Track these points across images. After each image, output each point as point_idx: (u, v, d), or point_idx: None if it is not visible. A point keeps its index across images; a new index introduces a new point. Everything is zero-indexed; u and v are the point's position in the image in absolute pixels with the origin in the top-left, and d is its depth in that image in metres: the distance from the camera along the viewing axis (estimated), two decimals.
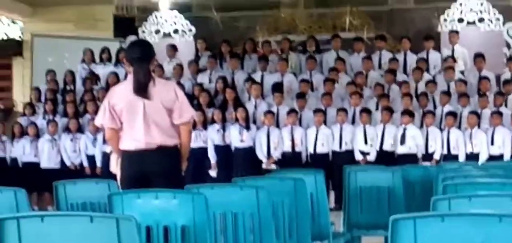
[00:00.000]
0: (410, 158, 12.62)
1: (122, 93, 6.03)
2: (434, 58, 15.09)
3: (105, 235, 3.06)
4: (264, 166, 13.21)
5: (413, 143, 13.06)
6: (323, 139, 13.33)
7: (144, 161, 5.82)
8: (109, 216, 3.28)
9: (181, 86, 14.86)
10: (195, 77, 15.36)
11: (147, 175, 5.77)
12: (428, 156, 13.04)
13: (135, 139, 5.89)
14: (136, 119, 5.88)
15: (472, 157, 12.72)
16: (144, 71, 5.94)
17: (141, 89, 5.89)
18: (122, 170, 5.90)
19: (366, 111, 13.37)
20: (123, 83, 6.34)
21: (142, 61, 6.00)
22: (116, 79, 15.31)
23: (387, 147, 13.17)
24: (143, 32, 17.10)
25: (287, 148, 13.38)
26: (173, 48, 16.07)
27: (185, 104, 6.02)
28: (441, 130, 13.19)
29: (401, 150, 13.08)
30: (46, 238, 3.10)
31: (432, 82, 14.15)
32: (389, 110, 13.28)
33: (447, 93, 13.76)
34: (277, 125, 13.68)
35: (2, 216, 3.11)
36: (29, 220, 3.12)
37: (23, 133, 14.55)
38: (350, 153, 13.25)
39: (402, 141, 13.06)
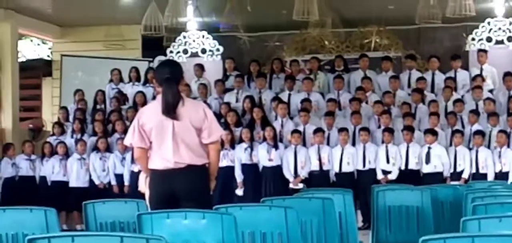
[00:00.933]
0: (436, 177, 12.58)
1: (152, 113, 6.05)
2: (462, 77, 15.04)
3: None
4: (291, 185, 13.21)
5: (439, 161, 13.03)
6: (348, 158, 13.33)
7: (173, 180, 5.83)
8: (139, 236, 3.29)
9: (208, 106, 14.94)
10: (221, 97, 15.41)
11: (175, 195, 5.78)
12: (456, 175, 12.99)
13: (164, 158, 5.90)
14: (165, 139, 5.90)
15: (501, 176, 12.65)
16: (173, 92, 5.96)
17: (170, 110, 5.91)
18: (151, 189, 5.91)
19: (389, 130, 13.36)
20: (153, 103, 6.35)
21: (171, 81, 6.02)
22: (143, 98, 15.40)
23: (412, 165, 13.14)
24: (171, 52, 17.18)
25: (315, 167, 13.38)
26: (200, 68, 16.13)
27: (214, 124, 6.04)
28: (470, 149, 13.14)
29: (426, 169, 13.05)
30: None
31: (460, 101, 14.09)
32: (410, 130, 13.26)
33: (476, 112, 13.70)
34: (304, 144, 13.67)
35: (34, 236, 3.13)
36: (60, 240, 3.14)
37: (53, 152, 14.66)
38: (374, 171, 13.25)
39: (427, 160, 13.04)
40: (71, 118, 15.64)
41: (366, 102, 14.59)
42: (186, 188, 5.80)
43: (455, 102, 14.06)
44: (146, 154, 6.03)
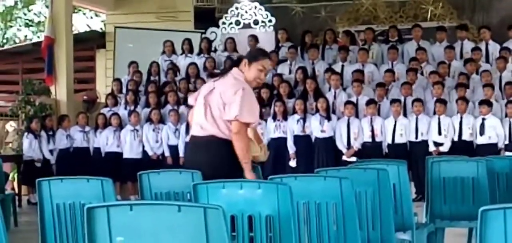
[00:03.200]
0: (490, 148, 12.43)
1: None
2: None
3: (193, 224, 3.08)
4: (344, 157, 13.17)
5: (493, 133, 12.89)
6: (401, 129, 13.24)
7: (198, 149, 5.98)
8: (196, 205, 3.29)
9: None
10: (274, 68, 15.38)
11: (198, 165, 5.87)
12: (511, 146, 12.82)
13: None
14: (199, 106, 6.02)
15: None
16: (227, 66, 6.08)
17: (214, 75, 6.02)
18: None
19: (441, 101, 13.22)
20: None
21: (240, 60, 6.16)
22: (196, 70, 15.47)
23: (466, 137, 13.01)
24: (224, 23, 17.21)
25: (367, 138, 13.32)
26: (254, 39, 16.10)
27: (236, 105, 5.83)
28: None
29: (480, 140, 12.91)
30: (135, 226, 3.13)
31: None
32: (465, 100, 13.10)
33: None
34: (357, 116, 13.61)
35: (92, 205, 3.16)
36: (118, 209, 3.16)
37: (106, 123, 14.79)
38: (427, 143, 13.16)
39: (482, 131, 12.89)
40: (124, 89, 15.77)
41: (421, 73, 14.46)
42: (206, 160, 5.84)
43: None
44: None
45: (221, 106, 5.88)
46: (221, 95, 5.91)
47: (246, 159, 5.84)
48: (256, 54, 6.23)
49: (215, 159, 5.86)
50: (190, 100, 6.24)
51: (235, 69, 6.03)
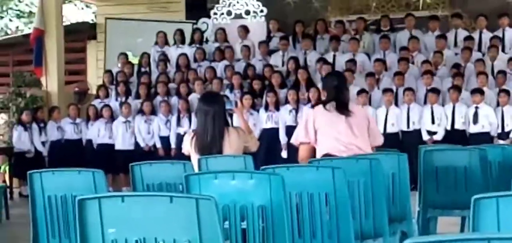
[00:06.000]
0: (483, 137, 12.45)
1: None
2: (510, 36, 14.81)
3: (185, 215, 3.07)
4: None
5: (486, 121, 12.91)
6: (393, 119, 13.25)
7: None
8: (188, 196, 3.28)
9: (252, 67, 14.93)
10: (266, 58, 15.37)
11: None
12: (504, 135, 12.85)
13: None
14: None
15: None
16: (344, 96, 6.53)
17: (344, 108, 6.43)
18: None
19: (434, 90, 13.24)
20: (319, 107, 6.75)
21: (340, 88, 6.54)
22: (186, 60, 15.45)
23: (458, 125, 13.03)
24: (215, 13, 17.16)
25: None
26: (244, 29, 16.09)
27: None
28: None
29: (473, 129, 12.93)
30: (127, 218, 3.12)
31: None
32: (458, 89, 13.11)
33: None
34: None
35: (84, 196, 3.14)
36: (110, 200, 3.14)
37: (98, 115, 14.76)
38: (419, 132, 13.18)
39: (475, 120, 12.90)
40: (115, 80, 15.72)
41: (412, 63, 14.46)
42: None
43: (509, 61, 13.85)
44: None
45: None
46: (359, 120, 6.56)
47: None
48: None
49: None
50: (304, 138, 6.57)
51: None
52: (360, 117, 6.49)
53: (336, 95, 6.45)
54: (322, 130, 6.39)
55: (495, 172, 7.24)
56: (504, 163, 7.08)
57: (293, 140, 6.68)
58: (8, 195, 12.89)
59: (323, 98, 6.67)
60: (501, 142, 12.34)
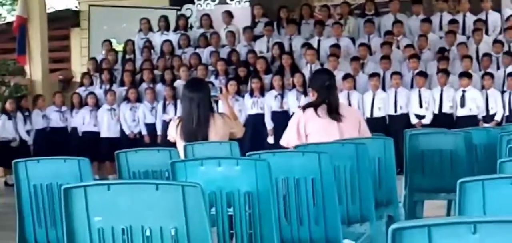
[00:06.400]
0: (470, 120, 12.47)
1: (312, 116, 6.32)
2: (493, 19, 14.85)
3: (171, 202, 3.07)
4: None
5: (474, 105, 12.93)
6: (379, 103, 13.26)
7: None
8: (174, 183, 3.28)
9: (236, 53, 14.91)
10: (250, 44, 15.35)
11: None
12: (489, 118, 12.88)
13: None
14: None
15: None
16: (335, 97, 6.37)
17: (334, 112, 6.25)
18: None
19: (422, 74, 13.25)
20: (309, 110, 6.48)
21: (331, 88, 6.38)
22: (171, 47, 15.42)
23: (446, 109, 13.05)
24: (199, 0, 17.11)
25: None
26: (229, 15, 16.06)
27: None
28: (503, 91, 13.01)
29: (460, 112, 12.96)
30: (113, 206, 3.11)
31: (498, 42, 13.90)
32: (446, 73, 13.13)
33: (509, 54, 13.54)
34: None
35: (69, 185, 3.13)
36: (96, 188, 3.13)
37: (82, 103, 14.71)
38: (406, 116, 13.18)
39: (462, 103, 12.94)
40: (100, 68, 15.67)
41: (397, 47, 14.48)
42: None
43: (494, 43, 13.89)
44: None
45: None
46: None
47: None
48: None
49: None
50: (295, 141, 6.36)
51: None
52: (352, 121, 6.32)
53: (328, 96, 6.29)
54: (313, 136, 6.23)
55: (481, 155, 7.28)
56: (489, 146, 7.11)
57: (284, 143, 6.47)
58: None
59: (312, 97, 6.46)
60: (486, 125, 12.37)
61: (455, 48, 14.04)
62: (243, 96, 13.70)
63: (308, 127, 6.27)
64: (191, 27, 16.69)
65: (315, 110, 6.29)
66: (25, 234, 5.02)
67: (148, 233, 3.11)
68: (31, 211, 4.99)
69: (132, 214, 3.09)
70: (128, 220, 3.10)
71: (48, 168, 5.01)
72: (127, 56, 15.87)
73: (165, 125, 12.70)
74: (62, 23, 19.83)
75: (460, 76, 13.06)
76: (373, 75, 13.42)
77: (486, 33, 14.55)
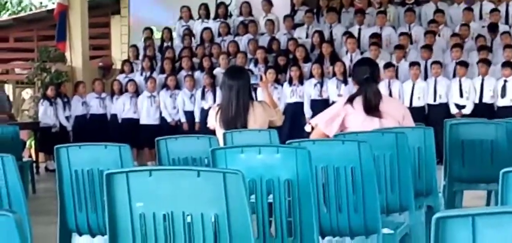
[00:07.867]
0: (511, 110, 12.33)
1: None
2: None
3: (212, 189, 3.06)
4: None
5: None
6: (419, 93, 13.17)
7: None
8: (216, 170, 3.28)
9: (276, 41, 14.89)
10: (290, 32, 15.32)
11: None
12: None
13: None
14: None
15: None
16: (375, 91, 6.03)
17: (373, 109, 5.97)
18: None
19: (463, 63, 13.14)
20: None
21: (370, 80, 6.05)
22: (210, 34, 15.44)
23: (486, 99, 12.93)
24: None
25: None
26: (268, 3, 16.04)
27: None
28: None
29: (501, 102, 12.83)
30: (154, 192, 3.12)
31: None
32: (487, 63, 13.01)
33: None
34: None
35: (112, 170, 3.14)
36: (138, 174, 3.14)
37: (122, 90, 14.80)
38: (445, 106, 13.07)
39: (503, 93, 12.80)
40: (140, 56, 15.75)
41: (439, 35, 14.37)
42: None
43: None
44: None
45: None
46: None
47: None
48: None
49: None
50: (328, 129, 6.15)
51: None
52: (395, 118, 6.06)
53: (365, 90, 6.01)
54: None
55: None
56: None
57: (313, 121, 6.29)
58: (35, 170, 12.97)
59: (354, 87, 6.25)
60: None
61: (497, 38, 13.90)
62: (282, 85, 13.69)
63: (349, 121, 6.07)
64: (231, 15, 16.69)
65: (351, 103, 6.09)
66: (66, 218, 5.07)
67: (189, 220, 3.11)
68: (72, 196, 5.03)
69: (173, 200, 3.10)
70: (170, 206, 3.10)
71: (89, 154, 5.04)
72: (165, 44, 15.93)
73: (204, 112, 12.73)
74: (103, 10, 19.95)
75: (503, 66, 12.91)
76: (413, 64, 13.34)
77: None
